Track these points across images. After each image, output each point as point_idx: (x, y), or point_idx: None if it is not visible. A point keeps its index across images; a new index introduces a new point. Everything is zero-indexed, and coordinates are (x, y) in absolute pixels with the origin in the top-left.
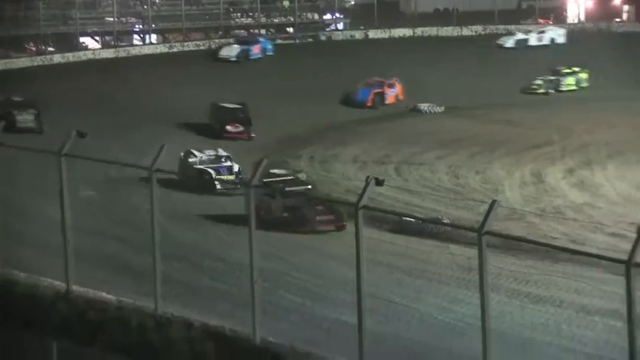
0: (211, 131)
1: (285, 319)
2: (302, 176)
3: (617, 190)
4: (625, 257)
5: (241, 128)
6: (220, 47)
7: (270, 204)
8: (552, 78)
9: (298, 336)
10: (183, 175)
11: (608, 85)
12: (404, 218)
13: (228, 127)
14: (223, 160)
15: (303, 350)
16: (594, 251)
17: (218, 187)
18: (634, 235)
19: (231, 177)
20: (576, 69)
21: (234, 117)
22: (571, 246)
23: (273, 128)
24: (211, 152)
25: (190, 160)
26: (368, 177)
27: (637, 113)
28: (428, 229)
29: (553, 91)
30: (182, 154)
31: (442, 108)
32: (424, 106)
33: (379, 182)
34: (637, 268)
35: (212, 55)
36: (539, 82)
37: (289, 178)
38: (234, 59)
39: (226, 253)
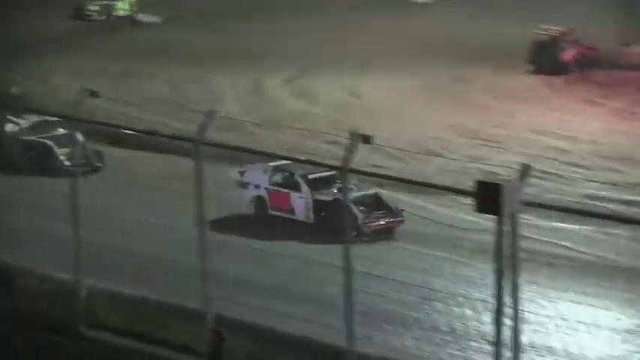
0: None
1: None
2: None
3: (333, 98)
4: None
5: None
6: None
7: (289, 197)
8: (107, 2)
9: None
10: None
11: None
12: (122, 130)
13: None
14: (56, 127)
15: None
16: (315, 159)
17: (66, 164)
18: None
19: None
20: None
21: None
22: (289, 154)
23: None
24: (34, 117)
25: (9, 130)
26: (82, 89)
27: (346, 29)
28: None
29: (110, 17)
30: None
31: (159, 18)
32: (142, 17)
33: (94, 94)
34: (351, 173)
35: None
36: (95, 7)
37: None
38: None
39: None
